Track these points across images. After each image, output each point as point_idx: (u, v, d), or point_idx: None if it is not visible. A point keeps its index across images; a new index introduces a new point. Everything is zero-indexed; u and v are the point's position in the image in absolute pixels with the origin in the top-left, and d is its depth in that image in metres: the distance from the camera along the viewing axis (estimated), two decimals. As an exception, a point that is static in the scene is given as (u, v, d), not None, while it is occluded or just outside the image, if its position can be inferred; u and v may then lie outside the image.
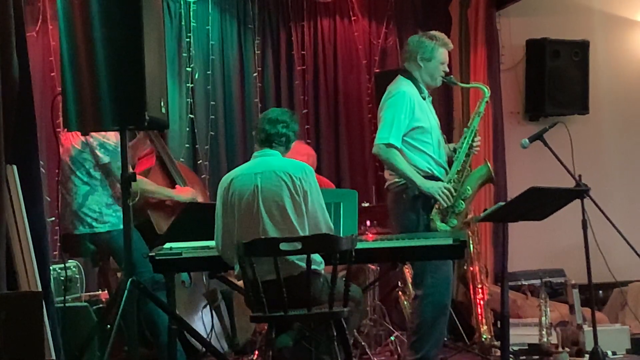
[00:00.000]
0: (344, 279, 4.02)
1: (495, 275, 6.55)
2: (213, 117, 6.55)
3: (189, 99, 6.48)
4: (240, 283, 4.27)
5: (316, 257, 4.01)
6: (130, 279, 4.08)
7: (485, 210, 5.43)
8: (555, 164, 5.00)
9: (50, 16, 5.93)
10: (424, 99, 4.81)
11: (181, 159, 6.16)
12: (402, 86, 4.76)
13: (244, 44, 6.70)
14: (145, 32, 4.00)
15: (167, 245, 4.40)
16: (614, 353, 5.45)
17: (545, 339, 5.46)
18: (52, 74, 5.95)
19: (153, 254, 4.28)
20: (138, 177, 4.37)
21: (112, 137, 4.76)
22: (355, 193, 4.64)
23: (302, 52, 6.81)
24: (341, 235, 4.23)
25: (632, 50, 7.37)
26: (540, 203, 4.83)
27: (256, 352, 5.19)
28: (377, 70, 6.85)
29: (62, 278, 5.01)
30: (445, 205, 4.65)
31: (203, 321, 5.34)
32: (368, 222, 5.80)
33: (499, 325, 5.36)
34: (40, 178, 4.48)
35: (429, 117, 4.79)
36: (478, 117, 4.87)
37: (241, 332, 5.47)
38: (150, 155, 5.39)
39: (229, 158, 6.57)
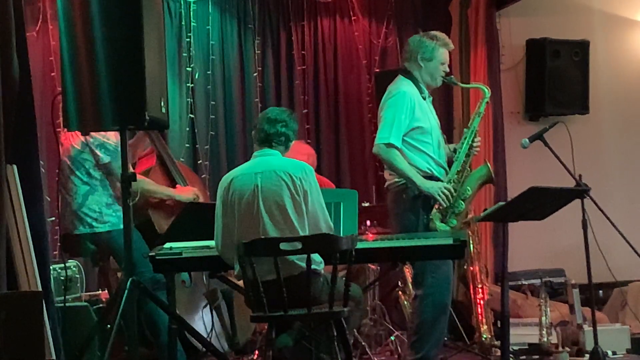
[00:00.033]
0: (344, 278, 4.02)
1: (495, 275, 6.55)
2: (213, 117, 6.56)
3: (189, 99, 6.48)
4: (241, 283, 4.27)
5: (316, 256, 4.00)
6: (130, 279, 4.08)
7: (485, 210, 5.43)
8: (555, 164, 5.00)
9: (51, 16, 5.94)
10: (424, 99, 4.81)
11: (181, 159, 6.16)
12: (402, 86, 4.76)
13: (244, 44, 6.71)
14: (146, 32, 4.00)
15: (167, 245, 4.39)
16: (614, 353, 5.45)
17: (545, 339, 5.46)
18: (52, 74, 5.95)
19: (153, 253, 4.28)
20: (138, 176, 4.37)
21: (112, 137, 4.76)
22: (355, 193, 4.64)
23: (302, 52, 6.82)
24: (341, 235, 4.23)
25: (632, 50, 7.37)
26: (540, 203, 4.83)
27: (256, 352, 5.19)
28: (377, 70, 6.85)
29: (62, 278, 5.01)
30: (445, 205, 4.65)
31: (203, 321, 5.34)
32: (368, 222, 5.80)
33: (499, 325, 5.37)
34: (40, 178, 4.49)
35: (429, 117, 4.78)
36: (478, 117, 4.86)
37: (241, 331, 5.47)
38: (151, 155, 5.40)
39: (229, 158, 6.57)
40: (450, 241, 4.26)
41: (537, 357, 5.45)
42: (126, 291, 4.04)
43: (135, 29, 3.98)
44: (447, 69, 4.88)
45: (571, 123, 6.13)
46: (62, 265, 4.96)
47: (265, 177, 4.06)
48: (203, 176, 6.36)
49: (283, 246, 3.85)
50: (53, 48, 5.94)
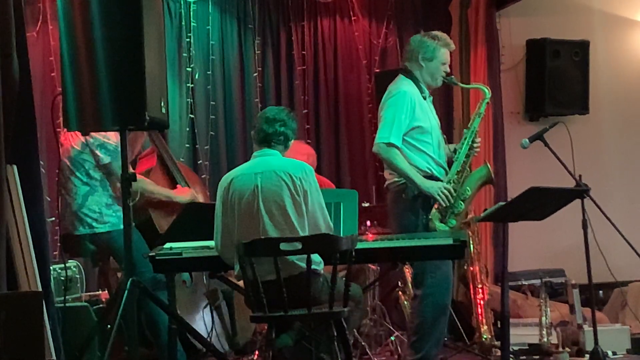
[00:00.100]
0: (344, 278, 4.02)
1: (495, 275, 6.55)
2: (213, 117, 6.55)
3: (189, 99, 6.48)
4: (241, 283, 4.27)
5: (315, 256, 4.00)
6: (130, 279, 4.08)
7: (485, 210, 5.43)
8: (556, 164, 5.00)
9: (51, 16, 5.93)
10: (425, 98, 4.81)
11: (181, 159, 6.16)
12: (403, 86, 4.76)
13: (244, 44, 6.71)
14: (145, 32, 4.00)
15: (167, 245, 4.39)
16: (614, 353, 5.45)
17: (545, 339, 5.46)
18: (52, 74, 5.95)
19: (153, 253, 4.28)
20: (138, 176, 4.37)
21: (112, 137, 4.76)
22: (355, 193, 4.64)
23: (302, 52, 6.82)
24: (341, 235, 4.23)
25: (632, 50, 7.37)
26: (540, 203, 4.83)
27: (256, 352, 5.19)
28: (377, 70, 6.85)
29: (62, 278, 5.01)
30: (445, 205, 4.65)
31: (204, 321, 5.34)
32: (368, 222, 5.79)
33: (499, 325, 5.37)
34: (40, 178, 4.48)
35: (429, 117, 4.79)
36: (478, 118, 4.86)
37: (241, 332, 5.47)
38: (151, 155, 5.40)
39: (229, 158, 6.57)
40: (450, 241, 4.26)
41: (537, 357, 5.44)
42: (126, 291, 4.04)
43: (135, 29, 3.98)
44: (448, 69, 4.88)
45: (571, 123, 6.13)
46: (62, 265, 4.96)
47: (265, 177, 4.06)
48: (203, 176, 6.36)
49: (283, 246, 3.84)
50: (53, 48, 5.94)
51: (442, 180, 4.72)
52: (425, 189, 4.63)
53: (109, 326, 4.07)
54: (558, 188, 4.91)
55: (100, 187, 4.83)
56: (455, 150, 4.83)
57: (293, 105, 6.68)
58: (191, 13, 6.49)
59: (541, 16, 7.18)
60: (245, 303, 4.30)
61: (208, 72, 6.55)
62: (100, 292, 5.47)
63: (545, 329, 5.48)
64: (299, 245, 3.84)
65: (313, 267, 3.89)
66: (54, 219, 5.43)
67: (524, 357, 5.44)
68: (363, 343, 5.50)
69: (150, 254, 4.29)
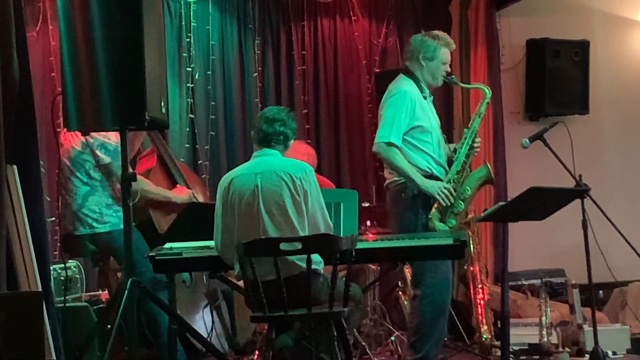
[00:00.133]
0: (343, 279, 4.02)
1: (495, 275, 6.55)
2: (213, 117, 6.56)
3: (189, 99, 6.48)
4: (241, 283, 4.27)
5: (315, 256, 4.00)
6: (130, 279, 4.08)
7: (485, 210, 5.43)
8: (556, 164, 5.00)
9: (51, 16, 5.94)
10: (425, 98, 4.81)
11: (181, 159, 6.16)
12: (403, 85, 4.76)
13: (244, 44, 6.71)
14: (145, 32, 4.00)
15: (168, 245, 4.39)
16: (614, 353, 5.45)
17: (545, 339, 5.46)
18: (52, 74, 5.95)
19: (153, 254, 4.28)
20: (137, 176, 4.37)
21: (112, 137, 4.76)
22: (355, 193, 4.64)
23: (303, 52, 6.82)
24: (341, 235, 4.23)
25: (632, 50, 7.37)
26: (540, 203, 4.83)
27: (256, 352, 5.19)
28: (377, 70, 6.85)
29: (63, 278, 5.01)
30: (445, 204, 4.65)
31: (204, 321, 5.34)
32: (368, 222, 5.80)
33: (499, 325, 5.37)
34: (40, 178, 4.49)
35: (429, 117, 4.79)
36: (479, 118, 4.86)
37: (242, 332, 5.47)
38: (151, 156, 5.40)
39: (229, 158, 6.57)
40: (450, 241, 4.26)
41: (537, 357, 5.45)
42: (126, 291, 4.04)
43: (135, 29, 3.98)
44: (449, 69, 4.88)
45: (571, 123, 6.13)
46: (62, 265, 4.96)
47: (266, 177, 4.06)
48: (203, 176, 6.36)
49: (283, 246, 3.84)
50: (53, 48, 5.94)
51: (442, 180, 4.72)
52: (425, 188, 4.63)
53: (109, 326, 4.07)
54: (558, 188, 4.91)
55: (100, 187, 4.83)
56: (455, 150, 4.82)
57: (293, 105, 6.67)
58: (191, 13, 6.50)
59: (541, 16, 7.18)
60: (245, 303, 4.30)
61: (208, 72, 6.55)
62: (100, 292, 5.47)
63: (545, 329, 5.48)
64: (299, 245, 3.83)
65: (313, 267, 3.89)
66: (54, 219, 5.43)
67: (524, 357, 5.44)
68: (363, 343, 5.50)
69: (150, 254, 4.29)
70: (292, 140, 4.28)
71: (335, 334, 3.94)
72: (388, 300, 6.14)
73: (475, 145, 4.81)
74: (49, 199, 5.56)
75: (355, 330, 5.21)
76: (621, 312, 6.26)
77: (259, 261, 3.89)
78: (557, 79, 7.00)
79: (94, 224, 4.81)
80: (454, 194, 4.69)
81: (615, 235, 5.07)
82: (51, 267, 4.59)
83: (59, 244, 5.25)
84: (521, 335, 5.57)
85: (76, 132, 4.61)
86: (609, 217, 5.01)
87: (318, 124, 6.86)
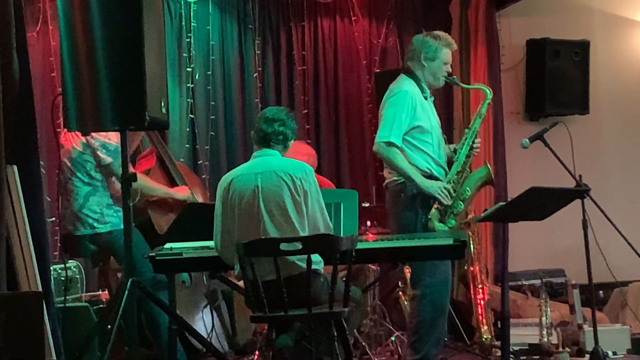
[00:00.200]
0: (344, 279, 4.01)
1: (495, 275, 6.55)
2: (213, 117, 6.55)
3: (189, 99, 6.48)
4: (241, 283, 4.27)
5: (315, 256, 4.00)
6: (130, 279, 4.08)
7: (485, 210, 5.43)
8: (556, 164, 5.00)
9: (51, 16, 5.93)
10: (426, 98, 4.81)
11: (181, 159, 6.16)
12: (404, 85, 4.76)
13: (244, 44, 6.70)
14: (145, 32, 4.00)
15: (168, 245, 4.39)
16: (614, 353, 5.45)
17: (545, 339, 5.47)
18: (52, 74, 5.95)
19: (153, 254, 4.28)
20: (138, 174, 4.37)
21: (113, 137, 4.76)
22: (355, 193, 4.64)
23: (303, 52, 6.81)
24: (341, 235, 4.23)
25: (632, 50, 7.37)
26: (540, 203, 4.83)
27: (256, 352, 5.19)
28: (377, 70, 6.85)
29: (63, 278, 5.01)
30: (446, 203, 4.64)
31: (204, 321, 5.34)
32: (368, 222, 5.80)
33: (499, 325, 5.37)
34: (40, 178, 4.49)
35: (430, 117, 4.78)
36: (479, 118, 4.86)
37: (242, 332, 5.47)
38: (151, 156, 5.40)
39: (229, 158, 6.57)
40: (450, 241, 4.26)
41: (537, 357, 5.45)
42: (126, 291, 4.04)
43: (135, 29, 3.98)
44: (450, 69, 4.88)
45: (571, 123, 6.13)
46: (63, 265, 4.96)
47: (266, 177, 4.06)
48: (203, 176, 6.36)
49: (283, 246, 3.84)
50: (53, 48, 5.94)
51: (441, 181, 4.72)
52: (425, 188, 4.63)
53: (109, 326, 4.07)
54: (558, 188, 4.91)
55: (101, 187, 4.84)
56: (455, 151, 4.82)
57: (293, 105, 6.68)
58: (191, 13, 6.49)
59: (541, 16, 7.18)
60: (246, 303, 4.30)
61: (208, 72, 6.55)
62: (100, 292, 5.47)
63: (545, 329, 5.48)
64: (299, 245, 3.83)
65: (313, 266, 3.89)
66: (54, 219, 5.43)
67: (524, 357, 5.44)
68: (363, 343, 5.50)
69: (150, 254, 4.29)
70: (291, 141, 4.28)
71: (336, 334, 3.94)
72: (388, 300, 6.14)
73: (475, 145, 4.81)
74: (49, 199, 5.56)
75: (355, 330, 5.21)
76: (621, 312, 6.26)
77: (259, 261, 3.89)
78: (557, 79, 7.00)
79: (95, 224, 4.81)
80: (454, 194, 4.69)
81: (615, 235, 5.07)
82: (51, 267, 4.59)
83: (59, 244, 5.25)
84: (521, 335, 5.57)
85: (76, 132, 4.61)
86: (609, 217, 5.01)
87: (318, 124, 6.86)
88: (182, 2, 6.46)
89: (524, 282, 6.46)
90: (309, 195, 4.07)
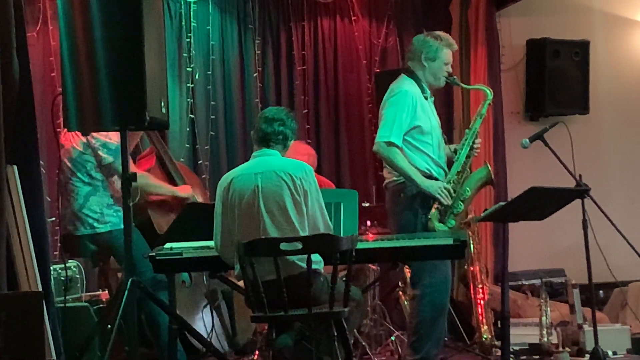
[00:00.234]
0: (344, 279, 4.01)
1: (495, 275, 6.55)
2: (213, 117, 6.55)
3: (189, 99, 6.48)
4: (241, 283, 4.28)
5: (315, 256, 4.00)
6: (130, 279, 4.08)
7: (485, 210, 5.43)
8: (556, 164, 5.00)
9: (51, 16, 5.93)
10: (426, 98, 4.81)
11: (181, 159, 6.16)
12: (404, 85, 4.76)
13: (244, 44, 6.70)
14: (146, 32, 4.00)
15: (168, 245, 4.40)
16: (614, 353, 5.45)
17: (545, 339, 5.46)
18: (52, 74, 5.95)
19: (153, 254, 4.28)
20: (141, 173, 4.37)
21: (113, 137, 4.76)
22: (355, 193, 4.64)
23: (303, 52, 6.82)
24: (341, 235, 4.23)
25: (632, 50, 7.38)
26: (540, 203, 4.83)
27: (256, 352, 5.19)
28: (377, 70, 6.85)
29: (63, 278, 5.01)
30: (446, 202, 4.64)
31: (204, 321, 5.34)
32: (368, 222, 5.80)
33: (499, 325, 5.37)
34: (40, 178, 4.49)
35: (430, 118, 4.78)
36: (480, 119, 4.85)
37: (242, 332, 5.47)
38: (151, 156, 5.40)
39: (229, 158, 6.57)
40: (450, 241, 4.27)
41: (537, 357, 5.44)
42: (126, 291, 4.04)
43: (135, 29, 3.98)
44: (451, 69, 4.88)
45: (571, 123, 6.12)
46: (63, 265, 4.96)
47: (266, 177, 4.06)
48: (203, 176, 6.36)
49: (283, 246, 3.84)
50: (53, 48, 5.94)
51: (441, 181, 4.72)
52: (425, 188, 4.63)
53: (109, 326, 4.07)
54: (558, 188, 4.91)
55: (102, 187, 4.84)
56: (455, 151, 4.82)
57: (293, 105, 6.68)
58: (191, 13, 6.49)
59: (541, 16, 7.19)
60: (246, 303, 4.30)
61: (208, 72, 6.55)
62: (100, 292, 5.47)
63: (545, 329, 5.48)
64: (299, 245, 3.83)
65: (313, 266, 3.89)
66: (54, 219, 5.43)
67: (524, 357, 5.44)
68: (363, 343, 5.50)
69: (150, 254, 4.29)
70: (291, 141, 4.27)
71: (336, 334, 3.94)
72: (388, 300, 6.14)
73: (475, 146, 4.81)
74: (49, 199, 5.55)
75: (355, 330, 5.21)
76: (621, 312, 6.26)
77: (259, 261, 3.89)
78: (557, 79, 7.00)
79: (95, 224, 4.81)
80: (454, 194, 4.69)
81: (615, 235, 5.07)
82: (51, 267, 4.59)
83: (59, 244, 5.25)
84: (521, 335, 5.57)
85: (77, 132, 4.61)
86: (609, 217, 5.01)
87: (318, 124, 6.86)
88: (182, 2, 6.46)
89: (524, 282, 6.47)
90: (309, 195, 4.07)
